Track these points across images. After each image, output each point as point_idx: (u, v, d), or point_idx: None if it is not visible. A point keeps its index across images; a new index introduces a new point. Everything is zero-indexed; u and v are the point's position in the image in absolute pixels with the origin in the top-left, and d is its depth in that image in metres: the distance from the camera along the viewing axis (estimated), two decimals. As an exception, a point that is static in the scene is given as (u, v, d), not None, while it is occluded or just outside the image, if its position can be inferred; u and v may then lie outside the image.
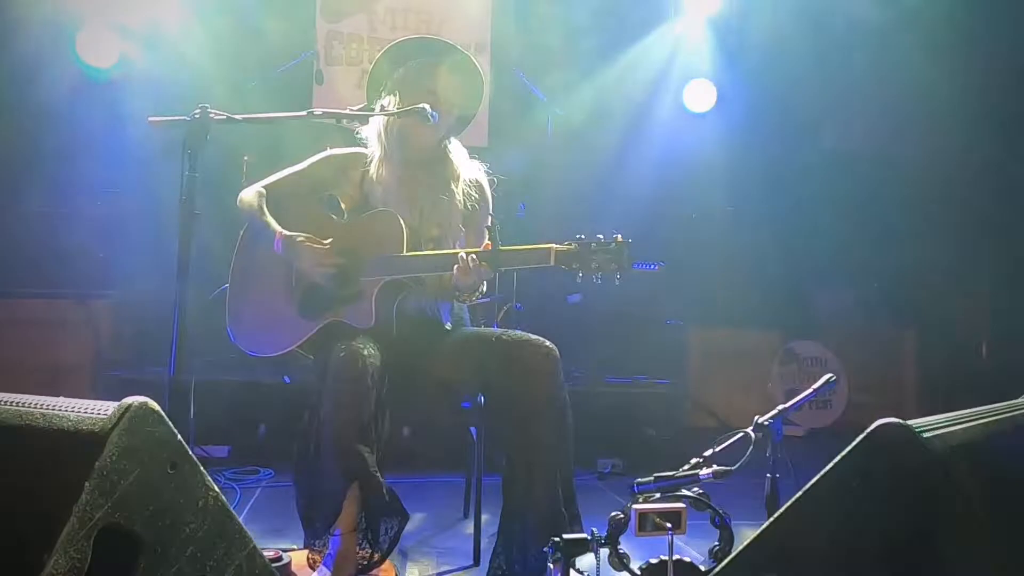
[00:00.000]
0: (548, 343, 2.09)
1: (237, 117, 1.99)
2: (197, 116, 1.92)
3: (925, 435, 0.97)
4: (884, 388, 5.15)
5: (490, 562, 2.08)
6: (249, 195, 2.25)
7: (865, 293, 5.46)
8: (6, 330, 4.01)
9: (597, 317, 4.54)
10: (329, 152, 2.32)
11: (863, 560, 0.98)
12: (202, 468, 0.99)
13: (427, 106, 2.08)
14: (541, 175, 4.78)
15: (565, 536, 1.78)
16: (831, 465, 1.03)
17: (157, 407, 0.93)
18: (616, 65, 5.13)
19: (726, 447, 1.80)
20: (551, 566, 1.81)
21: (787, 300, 5.20)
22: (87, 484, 0.83)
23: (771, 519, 1.08)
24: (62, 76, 4.34)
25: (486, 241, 2.06)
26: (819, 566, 1.02)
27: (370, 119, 2.28)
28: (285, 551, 2.15)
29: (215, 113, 1.95)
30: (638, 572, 1.81)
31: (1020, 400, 1.27)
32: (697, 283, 4.86)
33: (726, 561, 1.12)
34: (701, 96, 5.17)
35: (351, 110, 2.11)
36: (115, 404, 0.91)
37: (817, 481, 1.04)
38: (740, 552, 1.10)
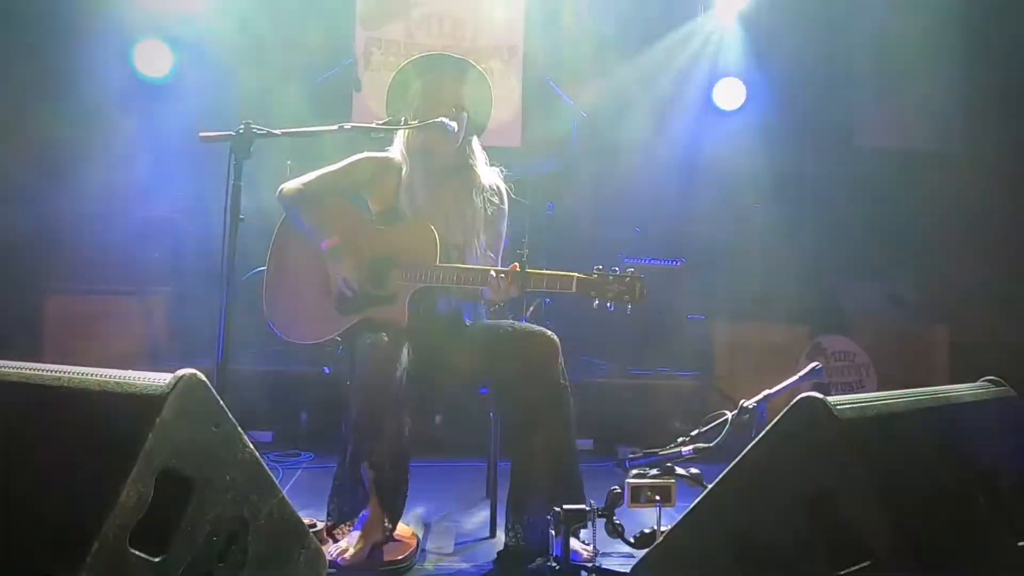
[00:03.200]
0: (549, 332, 2.29)
1: (276, 132, 2.22)
2: (241, 131, 2.16)
3: (839, 408, 1.14)
4: (915, 384, 5.12)
5: (505, 533, 2.29)
6: (291, 189, 2.46)
7: (897, 288, 5.46)
8: (71, 324, 4.30)
9: (622, 312, 4.68)
10: (365, 155, 2.52)
11: (786, 511, 1.15)
12: (240, 429, 1.22)
13: (444, 119, 2.30)
14: (570, 175, 4.94)
15: (565, 507, 1.99)
16: (763, 432, 1.21)
17: (204, 378, 1.17)
18: (645, 63, 5.25)
19: (710, 428, 1.98)
20: (552, 533, 2.02)
21: (816, 295, 5.24)
22: (150, 435, 1.06)
23: (717, 479, 1.26)
24: (122, 85, 4.66)
25: (514, 263, 2.24)
26: (754, 515, 1.20)
27: (393, 137, 2.50)
28: (319, 521, 2.39)
29: (257, 128, 2.18)
30: (632, 541, 2.00)
31: (948, 387, 1.43)
32: (725, 278, 4.94)
33: (683, 516, 1.31)
34: (731, 94, 5.25)
35: (377, 124, 2.33)
36: (172, 374, 1.15)
37: (752, 446, 1.22)
38: (694, 505, 1.29)
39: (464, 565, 2.30)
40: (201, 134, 2.23)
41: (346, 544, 2.20)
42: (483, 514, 2.67)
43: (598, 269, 2.18)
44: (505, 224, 2.58)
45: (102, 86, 4.57)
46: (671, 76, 5.30)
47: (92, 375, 1.15)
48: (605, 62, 5.18)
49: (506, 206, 2.57)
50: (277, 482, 1.31)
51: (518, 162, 4.97)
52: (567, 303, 4.53)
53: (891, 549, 1.05)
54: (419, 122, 2.32)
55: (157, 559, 1.08)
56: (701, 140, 5.25)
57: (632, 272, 2.15)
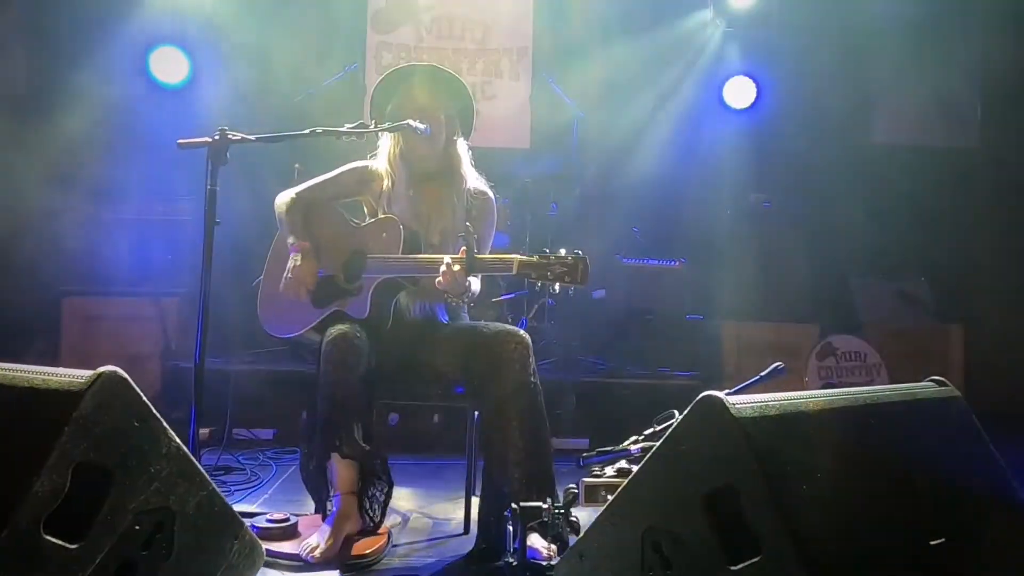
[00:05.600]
0: (520, 332, 2.32)
1: (251, 138, 2.30)
2: (217, 138, 2.23)
3: (736, 407, 1.16)
4: (929, 383, 5.04)
5: (478, 529, 2.33)
6: (283, 200, 2.56)
7: (909, 286, 5.38)
8: (90, 324, 4.45)
9: (623, 312, 4.71)
10: (356, 164, 2.60)
11: (685, 507, 1.18)
12: (165, 424, 1.28)
13: (410, 121, 2.35)
14: (574, 175, 4.97)
15: (521, 504, 2.02)
16: (671, 429, 1.23)
17: (125, 375, 1.23)
18: (654, 62, 5.25)
19: (663, 427, 2.00)
20: (509, 528, 2.05)
21: (827, 294, 5.19)
22: (66, 428, 1.12)
23: (631, 476, 1.29)
24: (139, 91, 4.81)
25: (462, 248, 2.28)
26: (659, 510, 1.23)
27: (378, 146, 2.57)
28: (297, 515, 2.45)
29: (232, 134, 2.26)
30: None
31: (881, 387, 1.43)
32: (735, 277, 4.92)
33: (600, 513, 1.34)
34: (741, 92, 5.24)
35: (348, 127, 2.38)
36: (92, 372, 1.21)
37: (659, 444, 1.25)
38: (611, 502, 1.31)
39: (431, 560, 2.34)
40: (179, 141, 2.32)
41: (316, 540, 2.26)
42: (460, 511, 2.71)
43: (541, 252, 2.19)
44: (490, 229, 2.61)
45: (119, 92, 4.73)
46: (681, 75, 5.30)
47: (22, 372, 1.22)
48: (613, 61, 5.20)
49: (494, 215, 2.60)
50: (208, 475, 1.37)
51: (526, 163, 5.02)
52: (569, 304, 4.56)
53: (780, 546, 1.07)
54: (388, 125, 2.38)
55: (73, 546, 1.14)
56: (712, 138, 5.25)
57: (577, 253, 2.14)
